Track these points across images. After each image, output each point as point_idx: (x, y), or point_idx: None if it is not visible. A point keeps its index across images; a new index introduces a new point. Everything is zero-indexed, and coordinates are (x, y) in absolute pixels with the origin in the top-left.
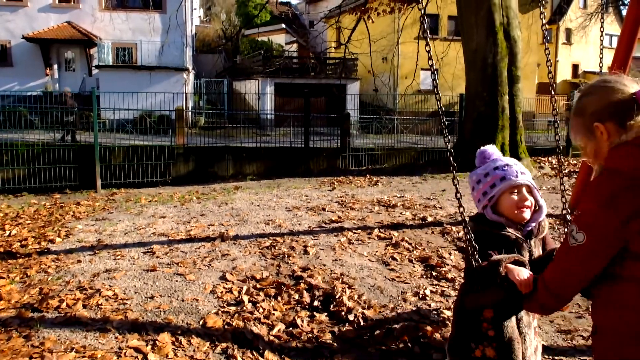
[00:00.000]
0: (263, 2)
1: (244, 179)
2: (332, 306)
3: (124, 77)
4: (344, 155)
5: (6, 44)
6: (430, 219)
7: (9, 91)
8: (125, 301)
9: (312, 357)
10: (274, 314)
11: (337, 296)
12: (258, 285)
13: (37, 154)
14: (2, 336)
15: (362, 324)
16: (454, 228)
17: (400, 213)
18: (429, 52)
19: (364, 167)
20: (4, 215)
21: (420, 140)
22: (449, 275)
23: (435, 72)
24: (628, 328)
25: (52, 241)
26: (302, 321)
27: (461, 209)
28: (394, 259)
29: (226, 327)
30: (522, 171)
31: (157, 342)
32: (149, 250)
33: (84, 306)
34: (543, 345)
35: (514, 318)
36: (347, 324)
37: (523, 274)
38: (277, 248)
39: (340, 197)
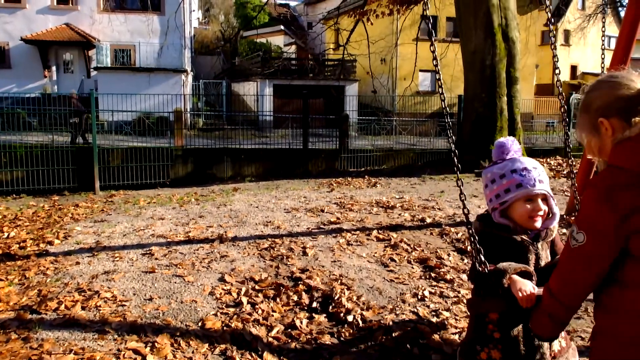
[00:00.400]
0: (262, 3)
1: (242, 181)
2: (331, 307)
3: (122, 79)
4: (343, 157)
5: (4, 46)
6: (429, 220)
7: (7, 93)
8: (123, 303)
9: (311, 358)
10: (272, 315)
11: (336, 297)
12: (257, 287)
13: (35, 155)
14: (0, 338)
15: (361, 325)
16: (452, 229)
17: (399, 214)
18: (433, 52)
19: (363, 169)
20: (3, 217)
21: (419, 142)
22: (448, 277)
23: (440, 72)
24: (627, 334)
25: (50, 243)
26: (301, 322)
27: (465, 211)
28: (392, 260)
29: (225, 328)
30: (540, 179)
31: (156, 344)
32: (148, 252)
33: (83, 308)
34: None
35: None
36: (346, 325)
37: (526, 288)
38: (275, 249)
39: (339, 198)
